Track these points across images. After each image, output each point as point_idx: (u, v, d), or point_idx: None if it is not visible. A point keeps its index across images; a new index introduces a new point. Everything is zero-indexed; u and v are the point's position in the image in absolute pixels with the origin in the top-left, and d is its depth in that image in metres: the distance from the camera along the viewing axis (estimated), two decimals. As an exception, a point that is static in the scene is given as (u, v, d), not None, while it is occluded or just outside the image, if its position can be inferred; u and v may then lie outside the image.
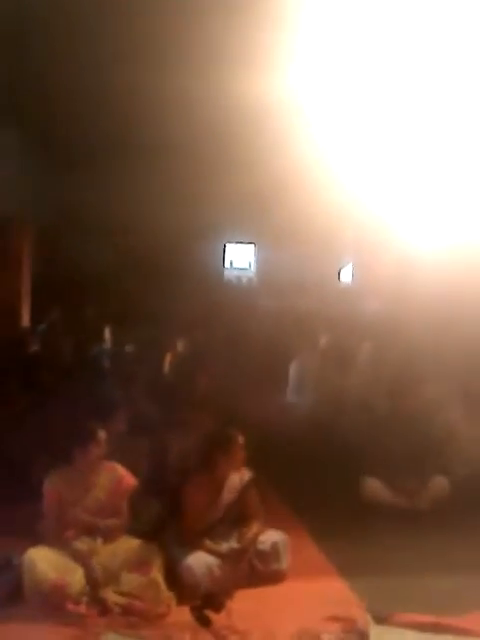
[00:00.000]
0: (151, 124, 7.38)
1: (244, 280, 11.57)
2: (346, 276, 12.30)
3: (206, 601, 3.81)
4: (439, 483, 5.66)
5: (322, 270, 11.51)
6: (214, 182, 8.51)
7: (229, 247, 12.18)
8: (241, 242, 12.09)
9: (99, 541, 4.16)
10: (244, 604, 4.03)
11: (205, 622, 2.76)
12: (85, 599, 3.90)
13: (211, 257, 11.63)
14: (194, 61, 5.45)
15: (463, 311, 7.47)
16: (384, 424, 6.05)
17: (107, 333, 7.62)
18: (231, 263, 12.15)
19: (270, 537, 4.45)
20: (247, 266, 12.10)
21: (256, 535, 4.41)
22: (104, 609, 3.87)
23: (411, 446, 5.73)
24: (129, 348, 7.29)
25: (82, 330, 7.51)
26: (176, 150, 7.99)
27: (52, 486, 4.22)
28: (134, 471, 4.49)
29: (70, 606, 3.81)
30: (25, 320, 8.37)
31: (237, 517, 4.49)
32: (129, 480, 4.40)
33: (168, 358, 7.03)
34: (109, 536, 4.21)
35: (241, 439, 4.57)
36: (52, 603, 3.79)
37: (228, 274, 11.79)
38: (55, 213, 9.07)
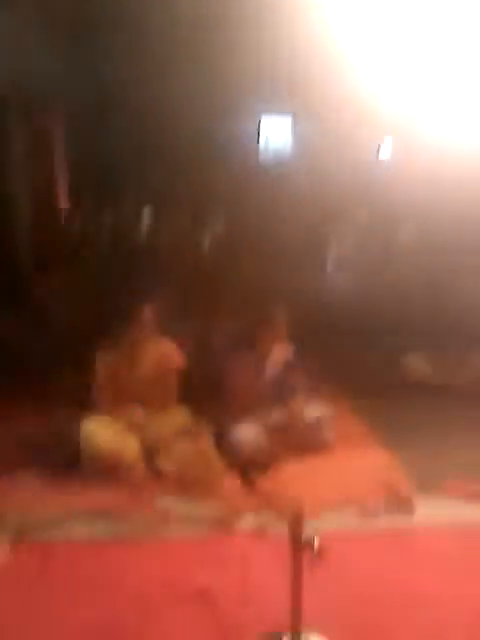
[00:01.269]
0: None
1: (280, 160, 11.26)
2: (387, 154, 11.91)
3: (251, 465, 3.96)
4: (477, 361, 5.70)
5: (361, 147, 11.14)
6: (245, 53, 8.14)
7: (265, 122, 11.75)
8: (278, 114, 11.65)
9: (151, 412, 4.31)
10: (290, 473, 4.19)
11: (250, 483, 2.88)
12: (139, 465, 4.06)
13: (246, 133, 11.29)
14: None
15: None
16: (424, 302, 6.05)
17: (146, 216, 7.54)
18: (267, 140, 11.79)
19: (315, 409, 4.55)
20: (284, 143, 11.75)
21: (301, 407, 4.52)
22: (158, 475, 4.05)
23: (450, 322, 5.74)
24: (169, 231, 7.25)
25: (121, 214, 7.46)
26: (206, 23, 7.63)
27: (103, 361, 4.33)
28: (182, 347, 4.57)
29: (125, 472, 3.99)
30: (63, 206, 8.31)
31: (282, 391, 4.59)
32: (178, 356, 4.49)
33: (207, 240, 6.99)
34: (161, 408, 4.34)
35: (282, 315, 4.60)
36: (108, 469, 3.97)
37: (263, 151, 11.46)
38: (87, 97, 8.81)
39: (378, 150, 11.90)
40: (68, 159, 8.42)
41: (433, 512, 3.81)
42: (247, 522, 3.66)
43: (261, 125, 11.72)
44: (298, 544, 2.62)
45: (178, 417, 4.35)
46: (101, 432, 4.07)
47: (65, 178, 8.40)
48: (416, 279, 6.63)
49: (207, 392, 4.61)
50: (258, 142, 11.72)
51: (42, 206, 7.35)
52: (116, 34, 7.88)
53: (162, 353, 4.46)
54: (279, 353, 4.67)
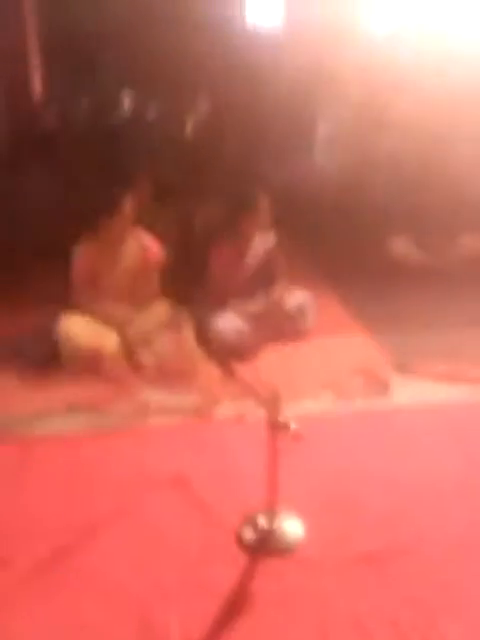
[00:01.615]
0: None
1: (268, 30, 10.74)
2: (380, 24, 11.35)
3: (232, 351, 4.01)
4: (469, 242, 5.64)
5: (353, 22, 10.59)
6: None
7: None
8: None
9: (131, 307, 4.32)
10: (271, 360, 4.27)
11: (230, 372, 2.92)
12: (120, 360, 4.12)
13: (233, 10, 10.73)
14: None
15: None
16: (415, 181, 5.92)
17: (125, 97, 7.29)
18: (255, 17, 11.20)
19: (297, 297, 4.57)
20: (272, 20, 11.17)
21: (282, 295, 4.53)
22: (138, 368, 4.11)
23: (442, 203, 5.64)
24: (148, 112, 7.02)
25: (98, 95, 7.19)
26: None
27: (81, 256, 4.28)
28: (162, 238, 4.53)
29: (106, 366, 4.04)
30: (37, 88, 7.99)
31: (264, 279, 4.58)
32: (157, 250, 4.45)
33: (190, 123, 6.78)
34: (141, 302, 4.35)
35: (265, 200, 4.52)
36: (88, 365, 4.02)
37: (250, 23, 10.91)
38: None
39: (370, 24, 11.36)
40: (41, 33, 7.99)
41: (410, 394, 3.89)
42: (226, 410, 3.74)
43: (248, 3, 11.13)
44: (274, 427, 2.69)
45: (159, 310, 4.37)
46: (79, 328, 4.09)
47: (38, 55, 8.00)
48: (406, 157, 6.45)
49: (188, 282, 4.62)
50: (245, 17, 11.17)
51: (13, 87, 7.05)
52: None
53: (142, 246, 4.41)
54: (261, 240, 4.63)
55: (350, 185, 6.25)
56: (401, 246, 5.60)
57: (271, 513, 2.82)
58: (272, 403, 2.71)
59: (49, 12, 7.86)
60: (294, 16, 10.67)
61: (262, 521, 2.83)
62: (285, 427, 2.65)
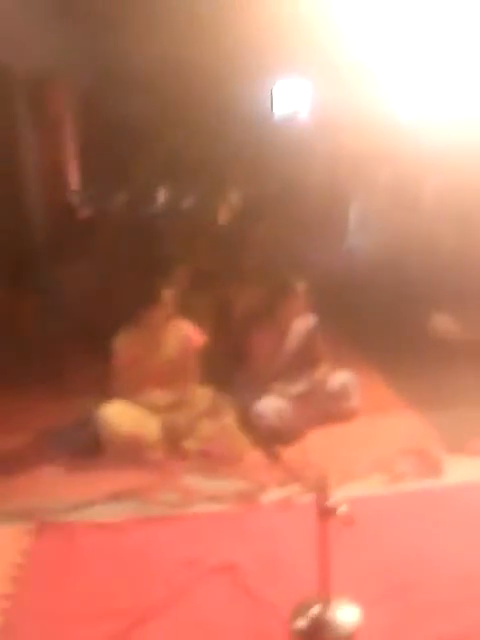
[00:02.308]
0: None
1: (297, 122, 11.13)
2: (406, 111, 11.70)
3: (277, 435, 3.99)
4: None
5: (380, 106, 10.95)
6: (255, 18, 8.03)
7: (279, 87, 11.60)
8: (292, 80, 11.51)
9: (173, 394, 4.35)
10: (318, 442, 4.23)
11: (274, 456, 2.90)
12: (162, 447, 4.11)
13: (261, 101, 11.18)
14: None
15: None
16: (451, 260, 5.96)
17: (159, 191, 7.55)
18: (283, 105, 11.64)
19: (339, 377, 4.56)
20: (300, 107, 11.60)
21: (325, 376, 4.53)
22: (181, 455, 4.09)
23: (479, 280, 5.65)
24: (182, 205, 7.25)
25: (134, 190, 7.47)
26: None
27: (121, 346, 4.33)
28: (200, 324, 4.59)
29: (148, 454, 4.04)
30: (74, 184, 8.33)
31: (305, 361, 4.59)
32: (197, 337, 4.50)
33: (223, 211, 6.96)
34: (182, 389, 4.38)
35: (302, 285, 4.59)
36: (130, 452, 4.01)
37: (280, 117, 11.34)
38: (95, 71, 8.79)
39: (398, 108, 11.73)
40: (77, 136, 8.40)
41: (462, 473, 3.80)
42: (273, 495, 3.68)
43: (275, 89, 11.58)
44: (324, 512, 2.65)
45: (201, 396, 4.38)
46: (120, 416, 4.11)
47: (75, 156, 8.39)
48: (441, 236, 6.52)
49: (229, 367, 4.64)
50: (274, 110, 11.61)
51: (54, 187, 7.36)
52: (120, 1, 7.83)
53: (182, 334, 4.47)
54: (301, 323, 4.67)
55: (386, 266, 6.31)
56: (442, 323, 5.58)
57: (325, 601, 2.74)
58: (320, 487, 2.68)
59: (85, 107, 8.30)
60: (322, 103, 11.08)
61: (315, 610, 2.74)
62: (334, 511, 2.61)
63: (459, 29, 6.88)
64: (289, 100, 11.48)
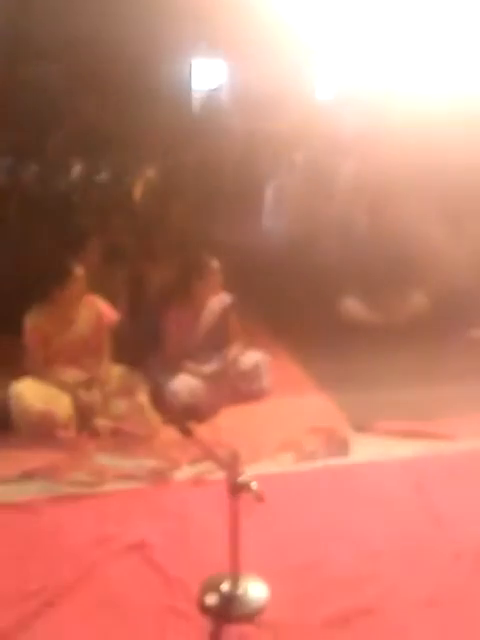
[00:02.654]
0: None
1: (214, 100, 11.10)
2: (323, 94, 11.84)
3: (189, 413, 4.04)
4: (417, 299, 5.83)
5: (298, 86, 11.04)
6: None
7: (196, 64, 11.56)
8: (209, 58, 11.48)
9: (85, 371, 4.32)
10: (228, 421, 4.30)
11: (187, 433, 2.94)
12: (74, 425, 4.09)
13: (178, 76, 11.09)
14: None
15: (445, 129, 7.30)
16: (363, 242, 6.12)
17: (73, 163, 7.39)
18: (200, 82, 11.60)
19: (251, 357, 4.64)
20: (217, 84, 11.57)
21: (237, 356, 4.60)
22: (93, 433, 4.09)
23: (389, 264, 5.83)
24: (97, 178, 7.12)
25: (47, 161, 7.29)
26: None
27: (32, 323, 4.28)
28: (113, 301, 4.57)
29: (59, 432, 4.01)
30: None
31: (218, 340, 4.64)
32: (110, 314, 4.48)
33: (139, 186, 6.89)
34: (94, 366, 4.35)
35: (216, 263, 4.63)
36: (41, 430, 3.98)
37: (197, 94, 11.29)
38: (5, 38, 8.49)
39: (315, 91, 11.86)
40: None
41: (368, 451, 3.95)
42: (185, 473, 3.73)
43: (193, 69, 11.52)
44: (235, 489, 2.70)
45: (113, 374, 4.37)
46: (32, 393, 4.06)
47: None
48: (353, 219, 6.68)
49: (142, 345, 4.64)
50: (191, 86, 11.54)
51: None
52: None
53: (95, 311, 4.44)
54: (215, 302, 4.71)
55: (300, 247, 6.40)
56: (351, 306, 5.74)
57: (234, 577, 2.81)
58: (232, 464, 2.73)
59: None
60: (240, 81, 11.08)
61: (225, 585, 2.81)
62: (246, 488, 2.67)
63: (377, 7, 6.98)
64: (208, 77, 11.43)
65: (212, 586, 2.83)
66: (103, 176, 7.17)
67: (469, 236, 6.02)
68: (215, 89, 11.38)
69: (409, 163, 6.91)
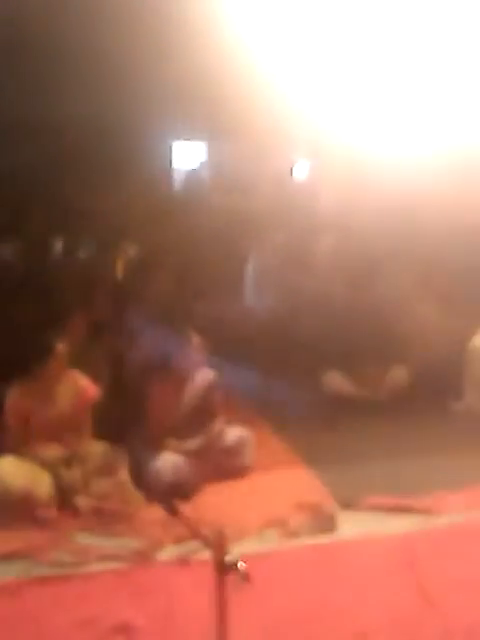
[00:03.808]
0: (81, 13, 7.10)
1: (194, 180, 11.39)
2: (300, 173, 12.22)
3: (173, 490, 4.02)
4: (398, 373, 5.90)
5: (275, 168, 11.39)
6: (156, 74, 8.27)
7: (177, 146, 11.93)
8: (190, 139, 11.86)
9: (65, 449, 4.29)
10: (212, 498, 4.27)
11: (172, 510, 2.93)
12: (54, 504, 4.05)
13: (158, 157, 11.41)
14: None
15: (423, 202, 7.54)
16: (343, 317, 6.22)
17: (55, 244, 7.52)
18: (179, 162, 11.94)
19: (234, 433, 4.64)
20: (197, 165, 11.91)
21: (220, 432, 4.60)
22: (74, 512, 4.04)
23: (370, 338, 5.92)
24: (78, 255, 7.24)
25: (27, 240, 7.40)
26: (114, 43, 7.69)
27: (13, 399, 4.29)
28: (95, 376, 4.58)
29: (40, 511, 3.96)
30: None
31: (201, 416, 4.64)
32: (91, 390, 4.48)
33: (120, 263, 7.01)
34: (76, 443, 4.33)
35: (198, 339, 4.68)
36: (21, 509, 3.93)
37: (177, 174, 11.59)
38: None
39: (292, 170, 12.23)
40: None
41: (355, 527, 3.94)
42: (169, 552, 3.69)
43: (173, 148, 11.88)
44: (221, 569, 2.67)
45: (94, 451, 4.34)
46: (11, 471, 4.02)
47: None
48: (334, 294, 6.80)
49: (123, 422, 4.63)
50: (171, 166, 11.87)
51: None
52: (19, 51, 7.86)
53: (76, 387, 4.45)
54: (198, 377, 4.74)
55: (281, 322, 6.50)
56: (334, 379, 5.80)
57: (222, 659, 2.75)
58: (217, 543, 2.71)
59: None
60: (219, 160, 11.41)
61: (213, 668, 2.75)
62: (233, 567, 2.64)
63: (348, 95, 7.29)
64: (188, 156, 11.78)
65: (200, 669, 2.78)
66: (85, 253, 7.29)
67: (449, 309, 6.15)
68: (194, 168, 11.72)
69: (388, 238, 7.11)
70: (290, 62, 6.97)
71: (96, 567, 3.57)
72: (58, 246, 7.53)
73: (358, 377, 5.81)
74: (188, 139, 11.89)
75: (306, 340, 6.03)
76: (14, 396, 4.30)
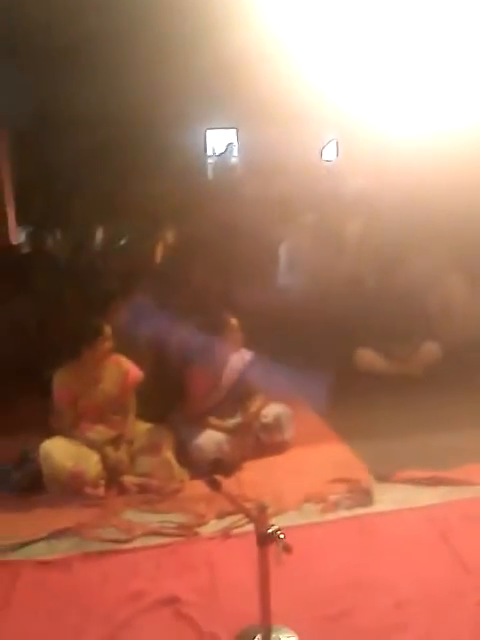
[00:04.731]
0: (116, 12, 7.05)
1: (227, 166, 11.33)
2: (329, 154, 12.08)
3: (215, 466, 4.03)
4: (430, 349, 5.81)
5: (305, 151, 11.27)
6: (188, 68, 8.21)
7: (210, 134, 11.87)
8: (222, 128, 11.79)
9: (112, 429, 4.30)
10: (253, 474, 4.26)
11: (215, 486, 2.90)
12: (102, 482, 4.07)
13: (193, 145, 11.38)
14: None
15: (450, 182, 7.38)
16: (375, 297, 6.14)
17: (96, 229, 7.54)
18: (213, 150, 11.89)
19: (273, 410, 4.61)
20: (230, 152, 11.83)
21: (259, 409, 4.57)
22: (121, 490, 4.06)
23: (401, 317, 5.83)
24: (119, 243, 7.25)
25: (71, 229, 7.44)
26: (145, 38, 7.65)
27: (61, 382, 4.29)
28: (138, 361, 4.57)
29: (88, 490, 3.98)
30: (12, 226, 8.27)
31: (240, 395, 4.62)
32: (135, 373, 4.47)
33: (159, 249, 6.99)
34: (121, 424, 4.34)
35: (235, 322, 4.64)
36: (71, 489, 3.96)
37: (211, 161, 11.55)
38: (28, 114, 8.79)
39: (321, 152, 12.10)
40: (14, 176, 8.37)
41: (391, 500, 3.88)
42: (212, 527, 3.68)
43: (207, 137, 11.83)
44: (263, 542, 2.66)
45: (139, 431, 4.35)
46: (61, 451, 4.04)
47: (12, 196, 8.33)
48: (363, 274, 6.71)
49: (166, 403, 4.63)
50: (205, 153, 11.83)
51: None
52: (57, 51, 7.87)
53: (120, 370, 4.45)
54: (236, 358, 4.71)
55: (314, 304, 6.43)
56: (367, 356, 5.73)
57: (266, 629, 2.74)
58: (259, 516, 2.69)
59: (22, 148, 8.29)
60: (250, 148, 11.34)
61: (258, 638, 2.74)
62: (274, 539, 2.62)
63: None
64: (221, 144, 11.72)
65: (245, 639, 2.76)
66: (124, 241, 7.30)
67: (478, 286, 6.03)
68: (227, 154, 11.66)
69: (416, 217, 6.98)
70: (315, 48, 6.86)
71: (142, 543, 3.57)
72: (100, 234, 7.56)
73: (390, 353, 5.74)
74: (220, 127, 11.83)
75: (338, 319, 5.96)
76: (62, 379, 4.30)
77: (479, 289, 6.04)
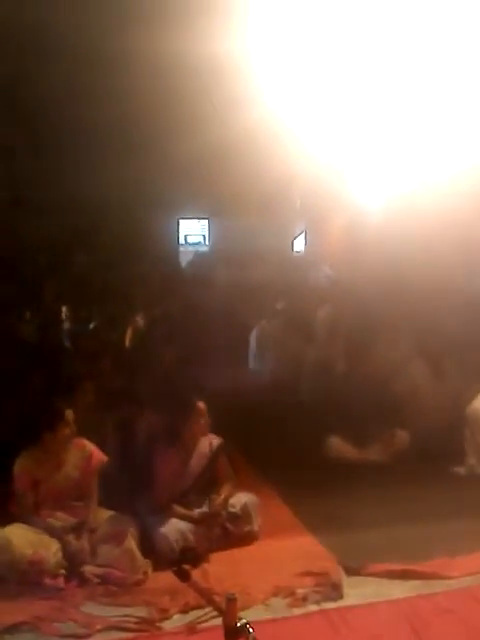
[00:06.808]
0: (98, 102, 7.27)
1: (199, 255, 11.52)
2: (299, 245, 12.36)
3: (181, 557, 3.86)
4: (399, 436, 5.77)
5: (275, 241, 11.52)
6: (163, 158, 8.43)
7: (183, 223, 12.10)
8: (195, 217, 12.05)
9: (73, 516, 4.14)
10: (219, 566, 4.09)
11: (184, 576, 2.75)
12: (63, 572, 3.87)
13: (165, 233, 11.57)
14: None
15: (414, 273, 7.55)
16: (343, 384, 6.13)
17: (65, 312, 7.51)
18: (185, 238, 12.09)
19: (240, 499, 4.46)
20: (201, 240, 12.05)
21: (227, 498, 4.42)
22: (82, 581, 3.87)
23: (369, 404, 5.81)
24: (89, 326, 7.21)
25: (40, 310, 7.39)
26: (123, 129, 7.87)
27: (22, 467, 4.15)
28: (103, 444, 4.46)
29: (48, 580, 3.78)
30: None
31: (208, 482, 4.49)
32: (98, 455, 4.35)
33: (129, 333, 6.97)
34: (83, 510, 4.17)
35: (203, 406, 4.56)
36: (30, 579, 3.76)
37: (183, 249, 11.73)
38: (3, 199, 8.90)
39: (292, 243, 12.37)
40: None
41: (361, 593, 3.75)
42: (177, 621, 3.50)
43: (179, 225, 12.06)
44: (232, 636, 2.51)
45: (101, 519, 4.18)
46: (19, 540, 3.85)
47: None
48: (332, 361, 6.73)
49: (131, 489, 4.48)
50: (177, 241, 12.03)
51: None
52: (33, 138, 8.05)
53: (82, 453, 4.32)
54: (204, 444, 4.60)
55: (284, 389, 6.42)
56: (337, 444, 5.66)
57: None
58: (228, 608, 2.56)
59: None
60: (223, 237, 11.55)
61: None
62: (244, 633, 2.48)
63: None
64: (193, 232, 11.95)
65: None
66: (95, 324, 7.27)
67: (447, 374, 6.06)
68: (200, 244, 11.87)
69: (384, 307, 7.08)
70: (285, 143, 7.10)
71: (103, 637, 3.37)
72: (70, 317, 7.53)
73: (360, 440, 5.67)
74: (193, 217, 12.09)
75: (307, 406, 5.93)
76: (23, 463, 4.16)
77: (442, 374, 6.07)
